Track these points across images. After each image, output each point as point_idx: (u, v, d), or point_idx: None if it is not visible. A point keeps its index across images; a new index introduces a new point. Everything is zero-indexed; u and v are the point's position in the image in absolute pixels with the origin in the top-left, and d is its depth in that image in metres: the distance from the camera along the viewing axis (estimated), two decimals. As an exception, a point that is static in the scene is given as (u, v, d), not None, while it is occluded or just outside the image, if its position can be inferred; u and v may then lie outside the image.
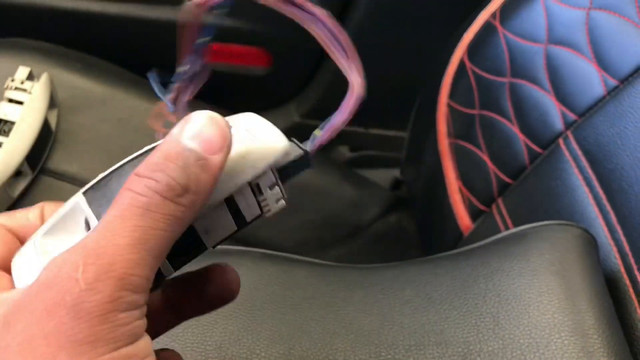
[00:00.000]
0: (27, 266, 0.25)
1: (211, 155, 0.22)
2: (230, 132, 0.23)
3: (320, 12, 0.26)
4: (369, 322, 0.42)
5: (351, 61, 0.27)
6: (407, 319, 0.41)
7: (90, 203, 0.25)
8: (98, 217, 0.24)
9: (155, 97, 0.80)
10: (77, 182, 0.62)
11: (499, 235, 0.46)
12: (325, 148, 1.02)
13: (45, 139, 0.60)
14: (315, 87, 0.91)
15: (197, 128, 0.23)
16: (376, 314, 0.42)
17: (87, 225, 0.25)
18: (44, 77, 0.61)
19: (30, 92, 0.59)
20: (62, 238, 0.25)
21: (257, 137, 0.25)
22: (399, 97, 0.82)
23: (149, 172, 0.22)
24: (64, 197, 0.69)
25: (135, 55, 0.81)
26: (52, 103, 0.62)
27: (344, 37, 0.27)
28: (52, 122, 0.62)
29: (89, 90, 0.66)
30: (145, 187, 0.22)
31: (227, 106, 0.88)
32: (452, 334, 0.39)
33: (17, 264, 0.25)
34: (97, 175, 0.74)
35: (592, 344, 0.36)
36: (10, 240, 0.26)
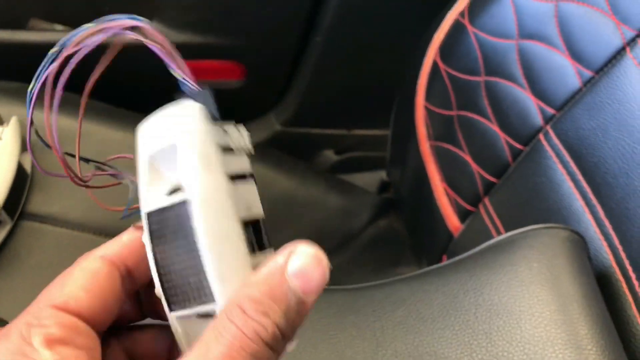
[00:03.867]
0: None
1: (308, 297, 0.22)
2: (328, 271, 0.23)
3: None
4: (363, 348, 0.41)
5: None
6: (400, 342, 0.40)
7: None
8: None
9: (130, 126, 0.78)
10: (59, 223, 0.61)
11: (486, 244, 0.45)
12: (310, 153, 1.01)
13: (21, 184, 0.59)
14: (292, 95, 0.89)
15: (302, 265, 0.22)
16: (369, 339, 0.41)
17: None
18: (13, 121, 0.60)
19: (0, 138, 0.58)
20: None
21: None
22: (379, 96, 0.82)
23: (256, 315, 0.22)
24: (47, 240, 0.67)
25: (105, 84, 0.79)
26: (25, 146, 0.61)
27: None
28: (27, 166, 0.61)
29: (62, 127, 0.65)
30: (254, 332, 0.21)
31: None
32: (446, 355, 0.39)
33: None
34: (78, 213, 0.72)
35: (587, 355, 0.35)
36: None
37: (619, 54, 0.48)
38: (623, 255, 0.45)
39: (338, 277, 0.51)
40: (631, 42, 0.47)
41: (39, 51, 0.92)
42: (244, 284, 0.22)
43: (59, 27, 0.81)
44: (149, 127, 0.25)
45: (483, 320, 0.39)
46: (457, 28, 0.58)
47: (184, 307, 0.23)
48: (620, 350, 0.37)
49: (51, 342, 0.23)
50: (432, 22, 0.63)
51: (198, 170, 0.22)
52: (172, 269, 0.23)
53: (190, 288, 0.23)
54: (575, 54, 0.50)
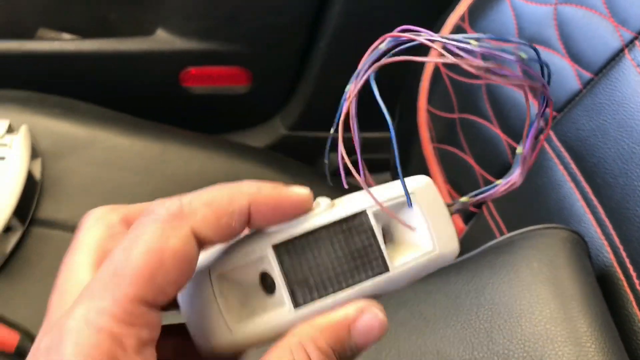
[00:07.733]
0: (200, 304, 0.24)
1: (359, 352, 0.23)
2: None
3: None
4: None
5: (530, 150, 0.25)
6: (403, 342, 0.41)
7: (280, 262, 0.24)
8: (288, 282, 0.24)
9: (137, 132, 0.78)
10: (70, 229, 0.62)
11: (487, 245, 0.46)
12: (316, 156, 1.01)
13: (31, 191, 0.61)
14: (298, 99, 0.90)
15: (370, 326, 0.23)
16: (372, 340, 0.42)
17: (265, 284, 0.25)
18: (23, 129, 0.61)
19: (10, 147, 0.59)
20: (236, 289, 0.25)
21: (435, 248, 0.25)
22: (385, 97, 0.82)
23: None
24: (58, 246, 0.69)
25: (113, 91, 0.81)
26: (35, 153, 0.62)
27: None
28: (37, 173, 0.62)
29: (71, 135, 0.66)
30: None
31: (215, 128, 0.89)
32: (448, 353, 0.39)
33: (186, 297, 0.24)
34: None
35: (587, 352, 0.36)
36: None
37: (617, 55, 0.48)
38: (624, 254, 0.46)
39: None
40: (629, 44, 0.48)
41: (48, 60, 0.93)
42: (314, 324, 0.23)
43: (67, 36, 0.83)
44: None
45: (484, 319, 0.40)
46: (458, 32, 0.59)
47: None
48: (620, 347, 0.38)
49: (142, 346, 0.21)
50: (433, 26, 0.64)
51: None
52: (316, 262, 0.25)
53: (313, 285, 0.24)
54: (575, 56, 0.51)
